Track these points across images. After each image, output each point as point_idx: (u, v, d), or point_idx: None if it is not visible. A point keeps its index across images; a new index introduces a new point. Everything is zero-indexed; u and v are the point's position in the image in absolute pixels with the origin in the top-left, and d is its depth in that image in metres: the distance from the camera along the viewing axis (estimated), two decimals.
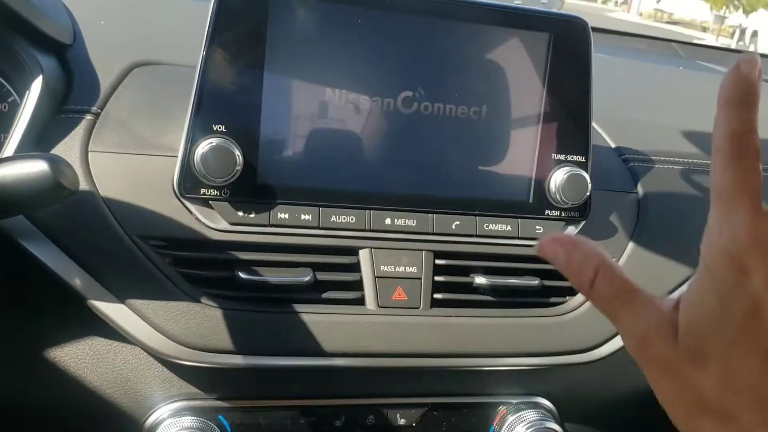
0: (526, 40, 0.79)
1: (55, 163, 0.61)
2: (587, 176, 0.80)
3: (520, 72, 0.80)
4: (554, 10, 0.81)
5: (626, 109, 1.11)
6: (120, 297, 0.70)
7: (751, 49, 12.42)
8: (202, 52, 0.70)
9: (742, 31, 14.24)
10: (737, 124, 0.39)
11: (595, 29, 0.83)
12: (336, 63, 0.75)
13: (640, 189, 0.89)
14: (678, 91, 1.30)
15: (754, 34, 12.81)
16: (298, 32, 0.73)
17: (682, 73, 1.42)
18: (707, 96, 1.27)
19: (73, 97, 0.77)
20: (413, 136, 0.78)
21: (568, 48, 0.80)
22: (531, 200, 0.81)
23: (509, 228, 0.81)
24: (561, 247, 0.43)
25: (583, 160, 0.82)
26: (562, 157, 0.81)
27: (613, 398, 0.89)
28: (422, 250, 0.79)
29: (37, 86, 0.73)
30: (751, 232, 0.38)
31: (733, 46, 14.12)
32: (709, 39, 16.50)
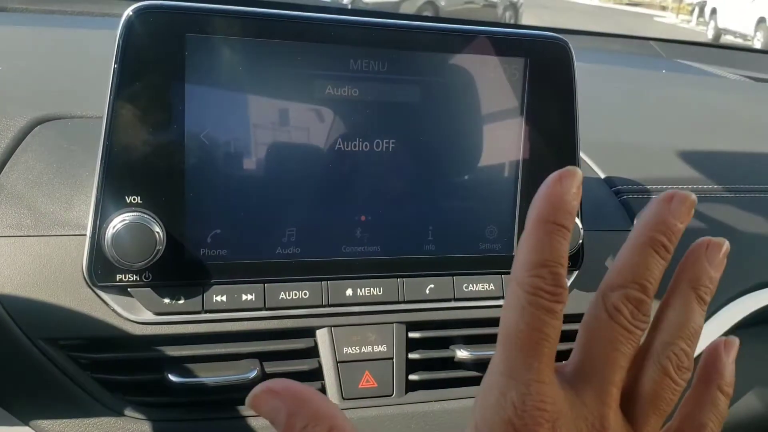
0: (498, 68, 0.67)
1: None
2: (578, 222, 0.69)
3: (494, 105, 0.68)
4: (528, 31, 0.69)
5: (612, 129, 0.99)
6: (23, 418, 0.58)
7: (711, 26, 12.47)
8: (106, 109, 0.57)
9: (701, 8, 14.30)
10: (547, 254, 0.33)
11: (563, 30, 0.71)
12: (272, 110, 0.62)
13: None
14: (665, 101, 1.19)
15: (713, 11, 12.84)
16: (224, 76, 0.60)
17: (666, 78, 1.32)
18: (698, 105, 1.15)
19: None
20: (372, 188, 0.66)
21: (548, 73, 0.69)
22: (515, 253, 0.69)
23: (492, 287, 0.70)
24: (281, 400, 0.32)
25: None
26: None
27: None
28: (392, 322, 0.67)
29: None
30: (540, 400, 0.32)
31: (693, 23, 14.19)
32: (669, 17, 16.59)
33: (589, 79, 1.18)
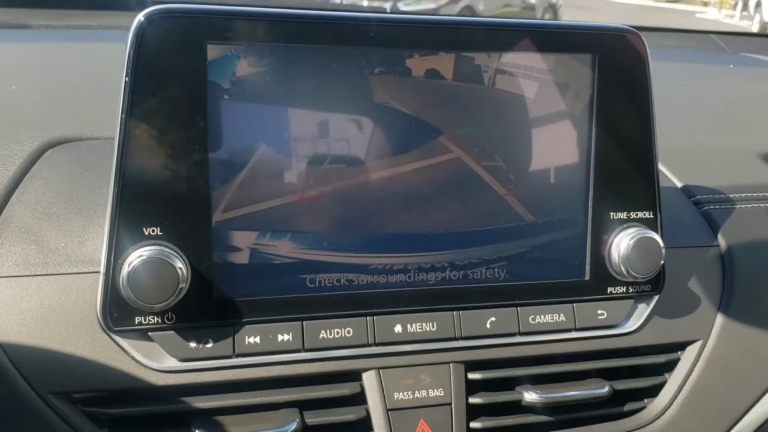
0: (563, 66, 0.59)
1: None
2: (659, 239, 0.61)
3: (559, 108, 0.60)
4: (595, 23, 0.60)
5: (684, 132, 0.90)
6: None
7: (756, 19, 12.13)
8: (118, 128, 0.50)
9: (745, 2, 13.95)
10: None
11: None
12: (307, 122, 0.54)
13: (721, 240, 0.69)
14: (739, 98, 1.09)
15: (758, 3, 12.50)
16: (251, 87, 0.53)
17: (735, 74, 1.21)
18: None
19: None
20: (421, 207, 0.58)
21: (620, 70, 0.60)
22: (587, 277, 0.62)
23: (563, 318, 0.62)
24: None
25: (652, 216, 0.62)
26: (623, 215, 0.62)
27: None
28: (449, 362, 0.60)
29: None
30: None
31: (737, 18, 13.84)
32: (711, 13, 16.23)
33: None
